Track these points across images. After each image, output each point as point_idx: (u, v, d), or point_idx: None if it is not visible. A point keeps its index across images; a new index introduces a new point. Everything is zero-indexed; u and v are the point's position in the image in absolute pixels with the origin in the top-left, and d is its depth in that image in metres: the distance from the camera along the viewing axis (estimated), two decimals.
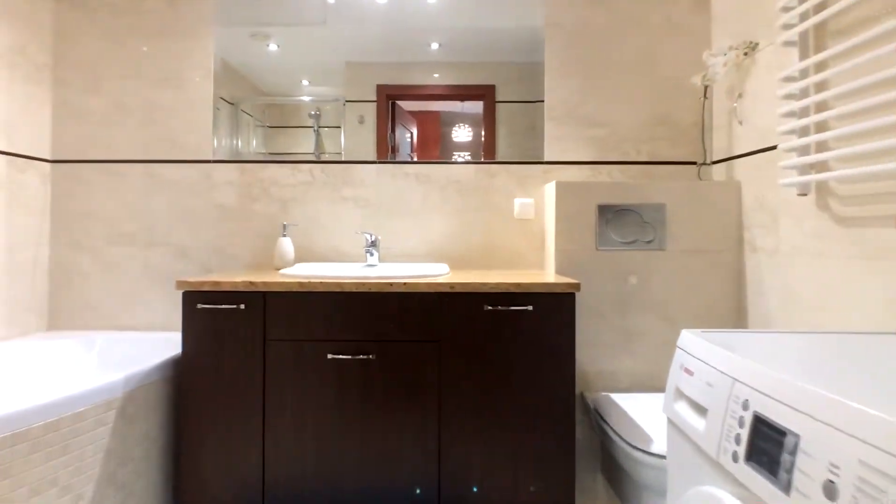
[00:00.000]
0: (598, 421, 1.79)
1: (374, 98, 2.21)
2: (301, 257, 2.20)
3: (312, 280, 1.65)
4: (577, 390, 1.98)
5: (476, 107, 2.24)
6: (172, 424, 1.79)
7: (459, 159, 2.23)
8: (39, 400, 1.33)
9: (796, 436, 0.65)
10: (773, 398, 0.71)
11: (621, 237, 1.94)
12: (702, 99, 2.09)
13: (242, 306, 1.66)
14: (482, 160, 2.21)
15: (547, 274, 1.95)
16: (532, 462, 1.64)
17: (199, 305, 1.66)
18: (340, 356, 1.65)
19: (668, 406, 0.99)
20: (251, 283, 1.64)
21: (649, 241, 1.94)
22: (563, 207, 1.96)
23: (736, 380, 0.80)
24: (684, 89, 2.17)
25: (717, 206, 1.94)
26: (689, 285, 1.95)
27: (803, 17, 1.52)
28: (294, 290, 1.64)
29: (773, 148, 1.73)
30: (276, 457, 1.65)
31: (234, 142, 2.16)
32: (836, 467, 0.58)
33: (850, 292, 1.42)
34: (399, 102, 2.24)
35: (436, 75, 2.23)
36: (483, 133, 2.23)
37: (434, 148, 2.24)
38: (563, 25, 2.21)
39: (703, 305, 1.95)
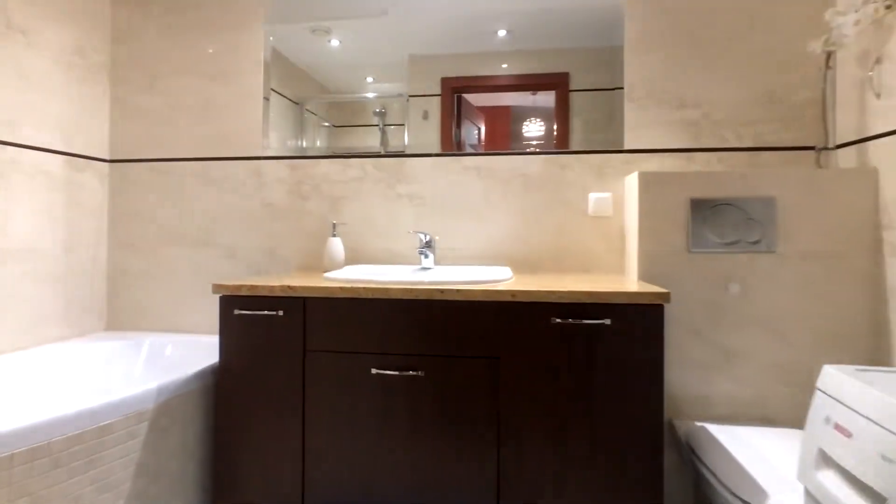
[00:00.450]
0: (691, 458, 1.49)
1: (439, 92, 2.02)
2: (352, 259, 2.04)
3: (354, 285, 1.47)
4: (665, 416, 1.68)
5: (549, 100, 1.99)
6: (211, 437, 1.68)
7: (527, 149, 1.98)
8: (61, 411, 1.24)
9: None
10: None
11: (719, 237, 1.62)
12: (822, 69, 1.72)
13: (281, 313, 1.51)
14: (552, 150, 1.96)
15: (628, 280, 1.66)
16: (610, 501, 1.37)
17: (237, 311, 1.53)
18: (386, 371, 1.46)
19: (807, 473, 0.71)
20: (289, 287, 1.49)
21: (755, 242, 1.60)
22: (648, 202, 1.67)
23: None
24: (798, 59, 1.81)
25: (845, 199, 1.57)
26: (807, 295, 1.59)
27: None
28: (335, 295, 1.47)
29: None
30: (316, 476, 1.49)
31: (300, 143, 2.04)
32: None
33: None
34: (466, 97, 2.04)
35: (504, 65, 2.01)
36: (556, 126, 1.97)
37: (504, 144, 2.01)
38: None
39: (826, 321, 1.58)
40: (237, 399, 1.53)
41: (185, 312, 2.16)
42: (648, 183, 1.67)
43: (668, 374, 1.66)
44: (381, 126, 2.04)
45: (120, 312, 2.20)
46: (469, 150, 2.02)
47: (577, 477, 1.38)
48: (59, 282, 1.98)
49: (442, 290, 1.41)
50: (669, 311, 1.65)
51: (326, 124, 2.06)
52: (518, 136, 2.02)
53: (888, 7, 1.44)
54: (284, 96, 2.08)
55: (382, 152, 2.04)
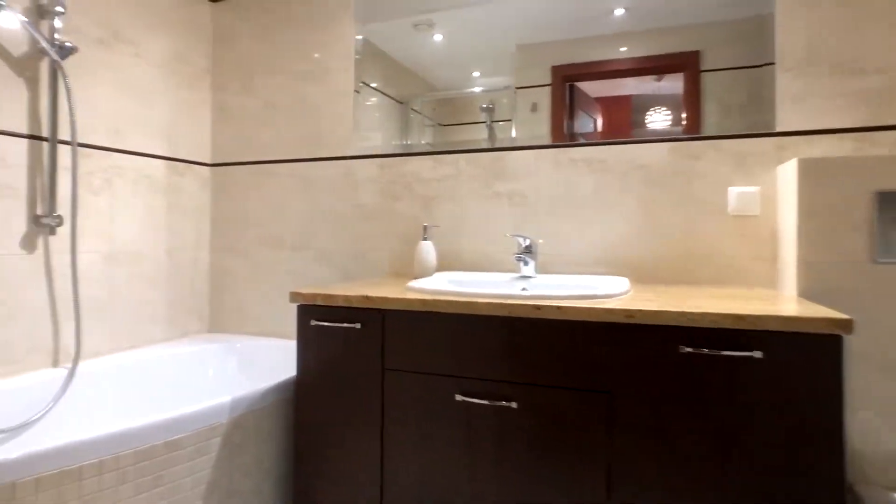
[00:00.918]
0: None
1: (549, 81, 1.77)
2: (445, 265, 1.86)
3: (436, 297, 1.27)
4: (846, 482, 1.28)
5: (675, 85, 1.66)
6: (289, 455, 1.57)
7: (649, 137, 1.66)
8: (130, 424, 1.17)
9: None
10: None
11: None
12: None
13: (358, 326, 1.36)
14: (681, 136, 1.62)
15: (784, 299, 1.29)
16: None
17: (313, 322, 1.40)
18: (472, 399, 1.24)
19: None
20: (367, 298, 1.33)
21: None
22: (812, 197, 1.29)
23: None
24: None
25: None
26: None
27: None
28: (415, 309, 1.28)
29: None
30: (395, 500, 1.31)
31: (405, 143, 1.90)
32: None
33: None
34: (580, 86, 1.77)
35: (622, 48, 1.71)
36: (684, 114, 1.63)
37: (624, 137, 1.72)
38: None
39: None
40: (315, 415, 1.40)
41: (282, 317, 2.11)
42: (812, 172, 1.29)
43: (848, 425, 1.26)
44: (488, 122, 1.83)
45: (221, 314, 2.22)
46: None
47: None
48: (163, 284, 2.01)
49: (538, 307, 1.17)
50: (847, 340, 1.26)
51: (431, 123, 1.89)
52: (640, 126, 1.71)
53: None
54: (389, 96, 1.94)
55: (478, 147, 1.83)
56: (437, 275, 1.68)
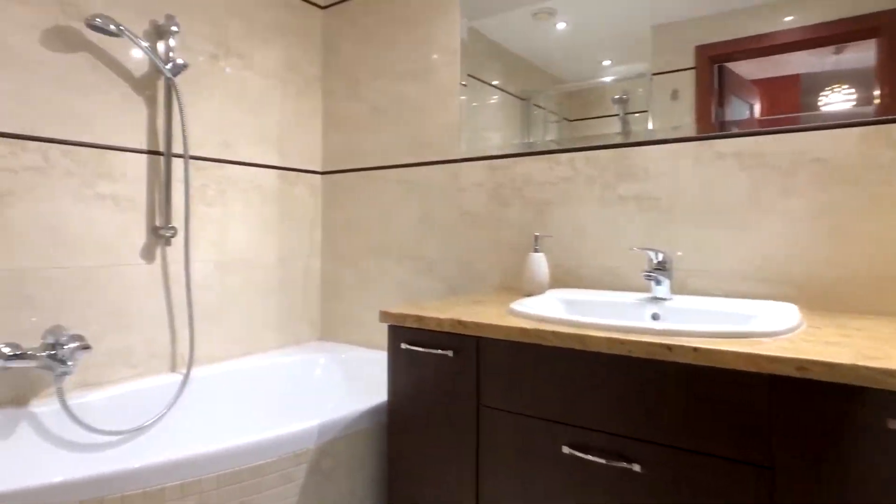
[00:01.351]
0: None
1: (692, 64, 1.47)
2: (560, 280, 1.62)
3: (542, 327, 1.06)
4: None
5: (862, 57, 1.27)
6: (384, 486, 1.45)
7: (831, 122, 1.29)
8: (214, 446, 1.12)
9: None
10: None
11: None
12: None
13: (451, 353, 1.19)
14: (877, 117, 1.22)
15: None
16: None
17: (403, 345, 1.26)
18: (584, 455, 1.01)
19: None
20: (459, 322, 1.16)
21: None
22: None
23: None
24: None
25: None
26: None
27: None
28: (514, 338, 1.08)
29: None
30: None
31: (527, 141, 1.71)
32: None
33: None
34: (731, 66, 1.44)
35: (787, 18, 1.36)
36: (877, 90, 1.24)
37: (790, 124, 1.36)
38: None
39: None
40: (407, 446, 1.27)
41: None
42: None
43: None
44: (621, 115, 1.57)
45: (332, 322, 2.19)
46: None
47: None
48: (275, 291, 2.03)
49: (670, 347, 0.90)
50: None
51: (556, 119, 1.67)
52: (811, 110, 1.33)
53: None
54: (507, 92, 1.75)
55: (599, 144, 1.57)
56: (550, 293, 1.46)
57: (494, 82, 1.76)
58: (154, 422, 1.55)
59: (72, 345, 1.40)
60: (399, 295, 1.98)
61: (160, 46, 1.61)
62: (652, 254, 1.34)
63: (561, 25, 1.67)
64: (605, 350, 0.97)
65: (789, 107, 1.35)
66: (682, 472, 0.91)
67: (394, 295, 2.00)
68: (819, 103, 1.32)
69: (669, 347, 0.90)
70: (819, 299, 1.26)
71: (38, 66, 1.37)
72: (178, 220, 1.69)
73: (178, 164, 1.69)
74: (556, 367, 1.05)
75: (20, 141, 1.34)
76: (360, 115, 2.09)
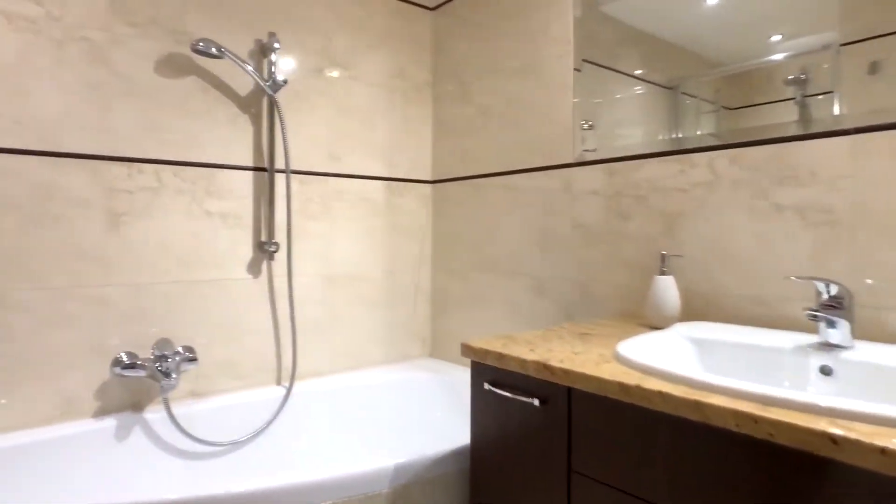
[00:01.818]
0: None
1: None
2: (694, 310, 1.31)
3: (645, 385, 0.81)
4: None
5: None
6: None
7: None
8: (277, 482, 1.06)
9: None
10: None
11: None
12: None
13: (536, 402, 0.98)
14: None
15: None
16: None
17: (486, 385, 1.09)
18: None
19: None
20: (546, 366, 0.95)
21: None
22: None
23: None
24: None
25: None
26: None
27: None
28: (613, 395, 0.85)
29: None
30: None
31: (675, 136, 1.44)
32: None
33: None
34: None
35: None
36: None
37: None
38: None
39: None
40: (488, 496, 1.09)
41: None
42: None
43: None
44: (798, 98, 1.22)
45: (443, 339, 2.09)
46: None
47: None
48: (383, 306, 1.97)
49: (836, 440, 0.61)
50: None
51: (712, 108, 1.37)
52: None
53: None
54: (650, 81, 1.48)
55: (748, 140, 1.23)
56: (678, 327, 1.17)
57: (635, 71, 1.49)
58: (252, 436, 1.57)
59: (177, 358, 1.46)
60: (508, 315, 1.80)
61: (266, 64, 1.62)
62: (821, 285, 0.99)
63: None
64: (731, 427, 0.70)
65: None
66: None
67: (503, 315, 1.82)
68: None
69: (835, 440, 0.61)
70: None
71: (153, 93, 1.45)
72: (282, 235, 1.70)
73: (282, 179, 1.70)
74: (664, 437, 0.79)
75: (136, 164, 1.43)
76: (469, 119, 1.94)
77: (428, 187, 2.09)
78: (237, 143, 1.61)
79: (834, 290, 0.98)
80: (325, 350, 1.83)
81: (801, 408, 0.67)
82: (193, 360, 1.50)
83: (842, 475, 0.62)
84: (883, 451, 0.57)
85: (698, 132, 1.35)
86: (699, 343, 1.09)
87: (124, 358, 1.40)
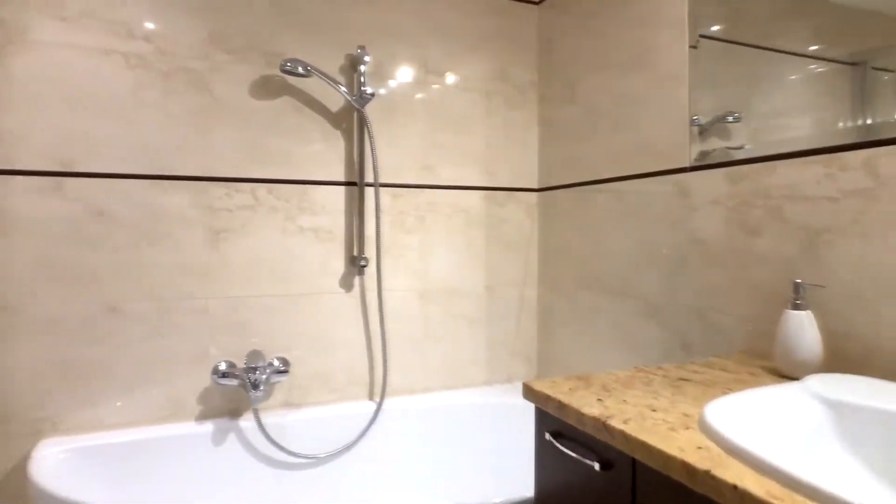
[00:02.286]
0: None
1: None
2: (841, 357, 1.00)
3: (718, 474, 0.60)
4: None
5: None
6: None
7: None
8: None
9: None
10: None
11: None
12: None
13: (597, 466, 0.81)
14: None
15: None
16: None
17: (547, 434, 0.93)
18: None
19: None
20: (605, 426, 0.77)
21: None
22: None
23: None
24: None
25: None
26: None
27: None
28: (676, 476, 0.65)
29: None
30: None
31: (863, 124, 1.11)
32: None
33: None
34: None
35: None
36: None
37: None
38: None
39: None
40: None
41: None
42: None
43: None
44: None
45: (551, 361, 1.92)
46: None
47: None
48: (482, 323, 1.87)
49: None
50: None
51: None
52: None
53: None
54: (824, 59, 1.17)
55: None
56: (813, 379, 0.89)
57: (810, 48, 1.19)
58: (338, 452, 1.57)
59: (267, 370, 1.51)
60: (616, 342, 1.58)
61: (355, 78, 1.62)
62: None
63: None
64: None
65: None
66: None
67: (610, 341, 1.61)
68: None
69: None
70: None
71: (249, 115, 1.53)
72: (373, 249, 1.68)
73: (374, 193, 1.68)
74: None
75: (234, 183, 1.51)
76: (575, 121, 1.75)
77: (533, 196, 1.94)
78: (329, 159, 1.63)
79: None
80: (420, 367, 1.78)
81: None
82: (284, 372, 1.55)
83: None
84: None
85: None
86: (837, 408, 0.80)
87: (222, 367, 1.49)
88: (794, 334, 0.98)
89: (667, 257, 1.40)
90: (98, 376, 1.40)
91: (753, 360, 1.13)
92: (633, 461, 0.75)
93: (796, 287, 0.99)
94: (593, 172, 1.67)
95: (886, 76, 1.03)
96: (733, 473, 0.59)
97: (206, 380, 1.50)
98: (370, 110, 1.65)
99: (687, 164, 1.34)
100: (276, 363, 1.55)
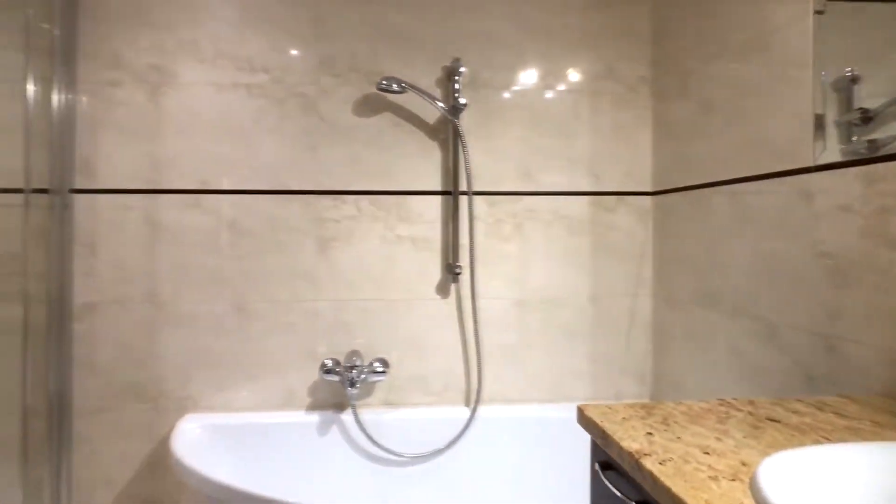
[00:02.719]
0: None
1: None
2: None
3: None
4: None
5: None
6: None
7: None
8: None
9: None
10: None
11: None
12: None
13: None
14: None
15: None
16: None
17: (596, 465, 0.86)
18: None
19: None
20: (639, 463, 0.70)
21: None
22: None
23: None
24: None
25: None
26: None
27: None
28: None
29: None
30: None
31: None
32: None
33: None
34: None
35: None
36: None
37: None
38: None
39: None
40: None
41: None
42: None
43: None
44: None
45: (667, 381, 1.76)
46: None
47: None
48: (586, 335, 1.78)
49: None
50: None
51: None
52: None
53: None
54: None
55: None
56: None
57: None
58: (432, 454, 1.62)
59: (365, 370, 1.62)
60: (731, 366, 1.40)
61: (451, 89, 1.65)
62: None
63: None
64: None
65: None
66: None
67: (725, 364, 1.42)
68: None
69: None
70: None
71: (352, 133, 1.65)
72: (475, 258, 1.70)
73: (475, 201, 1.70)
74: None
75: (340, 195, 1.65)
76: (689, 117, 1.58)
77: (647, 200, 1.79)
78: (426, 170, 1.69)
79: None
80: (517, 377, 1.75)
81: None
82: (381, 372, 1.64)
83: None
84: None
85: None
86: None
87: (328, 363, 1.63)
88: None
89: (787, 272, 1.20)
90: (228, 365, 1.63)
91: (891, 406, 0.92)
92: None
93: None
94: (708, 174, 1.49)
95: None
96: None
97: (314, 375, 1.65)
98: (467, 118, 1.67)
99: (811, 164, 1.13)
100: (375, 364, 1.65)
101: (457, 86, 1.63)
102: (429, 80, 1.68)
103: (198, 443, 1.51)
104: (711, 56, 1.47)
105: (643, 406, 0.91)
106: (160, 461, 1.59)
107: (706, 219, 1.50)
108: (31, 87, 1.42)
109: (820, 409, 0.90)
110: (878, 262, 0.99)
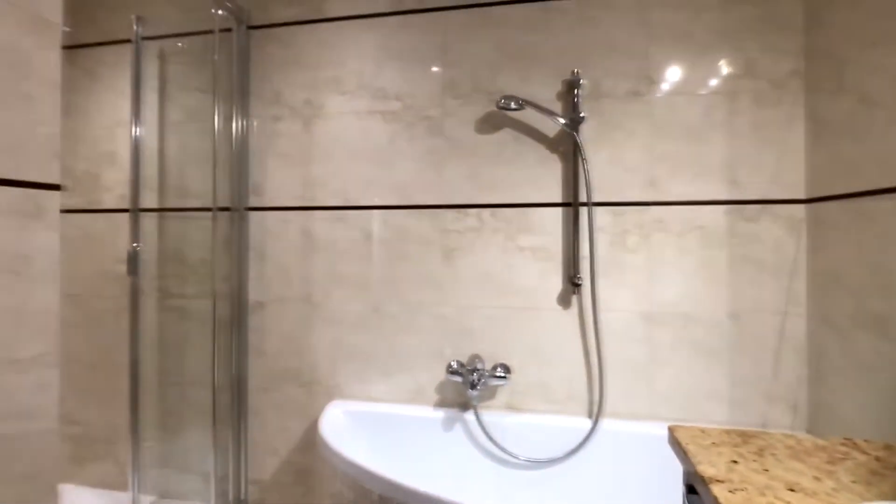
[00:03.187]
0: None
1: None
2: None
3: None
4: None
5: None
6: None
7: None
8: None
9: None
10: None
11: None
12: None
13: None
14: None
15: None
16: None
17: (682, 487, 0.84)
18: None
19: None
20: (709, 489, 0.68)
21: None
22: None
23: None
24: None
25: None
26: None
27: None
28: None
29: None
30: None
31: None
32: None
33: None
34: None
35: None
36: None
37: None
38: None
39: None
40: None
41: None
42: None
43: None
44: None
45: (825, 415, 1.57)
46: None
47: None
48: (724, 355, 1.65)
49: None
50: None
51: None
52: None
53: None
54: None
55: None
56: None
57: None
58: (551, 461, 1.64)
59: (485, 374, 1.70)
60: (892, 406, 1.20)
61: (571, 102, 1.66)
62: None
63: None
64: None
65: None
66: None
67: (890, 399, 1.23)
68: None
69: None
70: None
71: (475, 149, 1.74)
72: (596, 269, 1.68)
73: (597, 212, 1.69)
74: None
75: (463, 209, 1.75)
76: (846, 114, 1.38)
77: (799, 209, 1.60)
78: (546, 182, 1.71)
79: None
80: (644, 393, 1.69)
81: None
82: (501, 377, 1.70)
83: None
84: None
85: None
86: None
87: (453, 365, 1.74)
88: None
89: None
90: (366, 359, 1.83)
91: None
92: None
93: None
94: (870, 180, 1.29)
95: None
96: None
97: (441, 374, 1.78)
98: (588, 129, 1.67)
99: None
100: (497, 369, 1.72)
101: (577, 98, 1.63)
102: (550, 93, 1.71)
103: (340, 426, 1.72)
104: (869, 43, 1.28)
105: (741, 434, 0.86)
106: (313, 438, 1.86)
107: (869, 232, 1.31)
108: (217, 124, 1.77)
109: None
110: None
